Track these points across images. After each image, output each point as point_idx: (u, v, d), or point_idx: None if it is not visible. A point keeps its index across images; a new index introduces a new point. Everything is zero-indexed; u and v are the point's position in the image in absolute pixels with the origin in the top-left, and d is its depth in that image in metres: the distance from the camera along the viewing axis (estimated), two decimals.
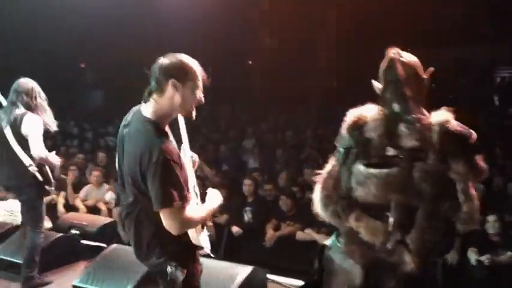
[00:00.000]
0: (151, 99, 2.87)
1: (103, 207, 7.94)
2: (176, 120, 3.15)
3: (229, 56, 20.53)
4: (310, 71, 20.97)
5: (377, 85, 2.65)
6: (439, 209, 2.47)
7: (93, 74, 22.54)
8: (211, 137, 13.10)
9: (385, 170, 2.44)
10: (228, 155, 10.96)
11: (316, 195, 2.72)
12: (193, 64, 2.91)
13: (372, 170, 2.46)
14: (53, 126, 5.24)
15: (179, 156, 2.83)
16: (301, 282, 5.48)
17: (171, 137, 2.95)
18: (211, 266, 4.91)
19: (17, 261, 5.55)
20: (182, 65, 2.87)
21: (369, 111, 2.58)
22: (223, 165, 10.09)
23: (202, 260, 3.23)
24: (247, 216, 7.12)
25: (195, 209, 2.94)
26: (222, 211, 7.28)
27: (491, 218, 5.65)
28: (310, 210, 2.79)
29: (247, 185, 7.32)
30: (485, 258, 5.43)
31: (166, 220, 2.74)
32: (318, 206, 2.71)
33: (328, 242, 2.83)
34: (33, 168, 5.04)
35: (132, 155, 2.80)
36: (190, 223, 2.85)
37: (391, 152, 2.47)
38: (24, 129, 4.99)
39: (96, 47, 17.24)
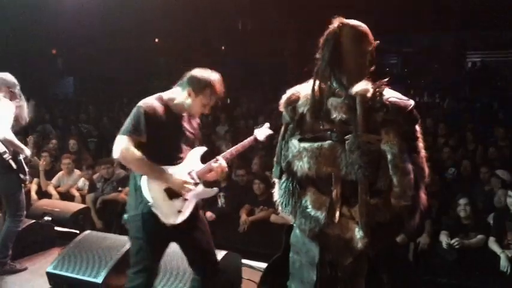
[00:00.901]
0: (173, 89, 3.53)
1: (76, 193, 7.92)
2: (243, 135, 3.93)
3: (202, 42, 20.45)
4: (282, 56, 21.00)
5: None
6: (376, 182, 2.46)
7: (64, 61, 22.27)
8: None
9: (316, 144, 2.47)
10: (201, 140, 10.94)
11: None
12: (215, 84, 3.49)
13: (304, 144, 2.50)
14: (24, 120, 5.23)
15: (160, 116, 3.39)
16: None
17: (184, 120, 3.59)
18: None
19: None
20: (204, 82, 3.47)
21: (304, 88, 2.58)
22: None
23: None
24: (220, 202, 7.15)
25: (149, 161, 3.35)
26: None
27: (462, 201, 5.73)
28: None
29: None
30: (454, 241, 5.52)
31: (115, 143, 3.30)
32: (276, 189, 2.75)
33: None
34: (7, 156, 5.03)
35: None
36: (127, 156, 3.30)
37: (324, 126, 2.48)
38: None
39: (67, 34, 17.01)
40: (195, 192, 3.63)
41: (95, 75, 20.66)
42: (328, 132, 2.47)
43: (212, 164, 3.72)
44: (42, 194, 7.98)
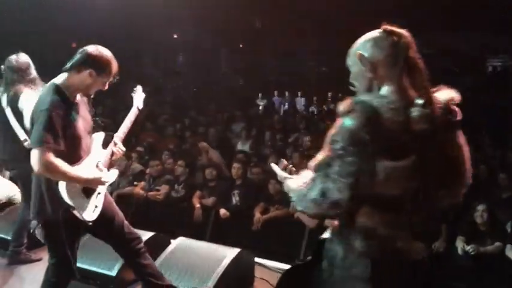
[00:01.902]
0: (65, 72, 3.37)
1: None
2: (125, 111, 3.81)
3: (220, 39, 20.47)
4: (300, 55, 20.98)
5: (369, 63, 2.39)
6: (447, 188, 2.42)
7: None
8: (199, 120, 13.11)
9: (407, 160, 2.26)
10: (217, 138, 10.98)
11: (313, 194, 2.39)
12: (113, 62, 3.42)
13: (398, 163, 2.26)
14: None
15: (66, 114, 3.24)
16: (287, 266, 5.51)
17: (80, 107, 3.46)
18: (198, 248, 4.97)
19: (6, 237, 5.57)
20: (104, 61, 3.38)
21: (378, 100, 2.31)
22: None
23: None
24: (235, 199, 7.16)
25: (70, 166, 3.25)
26: (210, 193, 7.33)
27: (480, 208, 5.69)
28: None
29: (235, 168, 7.35)
30: (470, 247, 5.48)
31: (32, 158, 3.14)
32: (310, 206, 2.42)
33: (327, 234, 2.68)
34: (27, 144, 5.07)
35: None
36: (52, 169, 3.15)
37: (407, 138, 2.25)
38: (21, 104, 5.02)
39: (87, 27, 17.11)
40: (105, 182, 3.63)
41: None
42: (414, 145, 2.28)
43: (113, 148, 3.73)
44: None
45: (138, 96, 4.09)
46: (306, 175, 2.54)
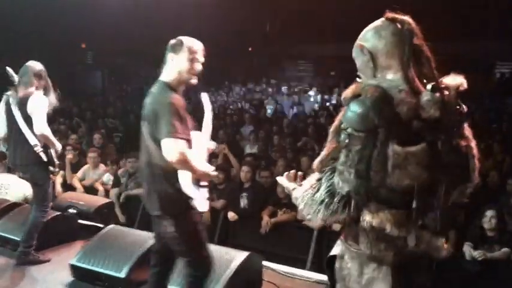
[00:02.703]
0: (164, 72, 3.51)
1: (100, 187, 8.00)
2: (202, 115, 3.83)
3: (230, 42, 20.50)
4: (309, 58, 20.98)
5: (367, 51, 2.33)
6: (457, 179, 2.27)
7: (93, 55, 22.49)
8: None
9: (419, 147, 2.10)
10: (226, 140, 10.97)
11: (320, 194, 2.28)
12: (189, 40, 3.53)
13: (410, 149, 2.10)
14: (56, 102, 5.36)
15: (184, 110, 3.34)
16: (295, 270, 5.52)
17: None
18: None
19: (16, 238, 5.60)
20: (178, 41, 3.50)
21: (392, 83, 2.22)
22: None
23: None
24: (243, 202, 7.16)
25: (194, 156, 3.35)
26: (219, 196, 7.33)
27: (489, 213, 5.64)
28: None
29: (244, 171, 7.35)
30: (477, 253, 5.46)
31: (167, 147, 3.18)
32: (317, 207, 2.29)
33: (335, 251, 2.49)
34: (38, 149, 5.13)
35: (149, 107, 3.38)
36: (185, 158, 3.20)
37: (417, 125, 2.12)
38: (30, 108, 5.07)
39: (97, 28, 17.18)
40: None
41: (124, 70, 20.83)
42: (424, 132, 2.14)
43: (208, 146, 3.82)
44: (67, 187, 8.07)
45: (207, 103, 4.09)
46: (311, 178, 2.39)
